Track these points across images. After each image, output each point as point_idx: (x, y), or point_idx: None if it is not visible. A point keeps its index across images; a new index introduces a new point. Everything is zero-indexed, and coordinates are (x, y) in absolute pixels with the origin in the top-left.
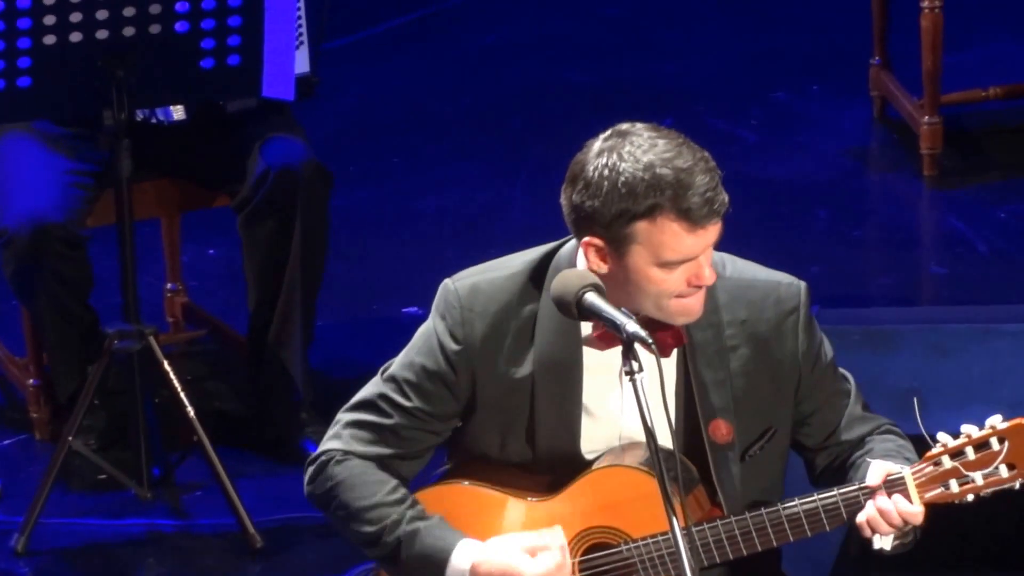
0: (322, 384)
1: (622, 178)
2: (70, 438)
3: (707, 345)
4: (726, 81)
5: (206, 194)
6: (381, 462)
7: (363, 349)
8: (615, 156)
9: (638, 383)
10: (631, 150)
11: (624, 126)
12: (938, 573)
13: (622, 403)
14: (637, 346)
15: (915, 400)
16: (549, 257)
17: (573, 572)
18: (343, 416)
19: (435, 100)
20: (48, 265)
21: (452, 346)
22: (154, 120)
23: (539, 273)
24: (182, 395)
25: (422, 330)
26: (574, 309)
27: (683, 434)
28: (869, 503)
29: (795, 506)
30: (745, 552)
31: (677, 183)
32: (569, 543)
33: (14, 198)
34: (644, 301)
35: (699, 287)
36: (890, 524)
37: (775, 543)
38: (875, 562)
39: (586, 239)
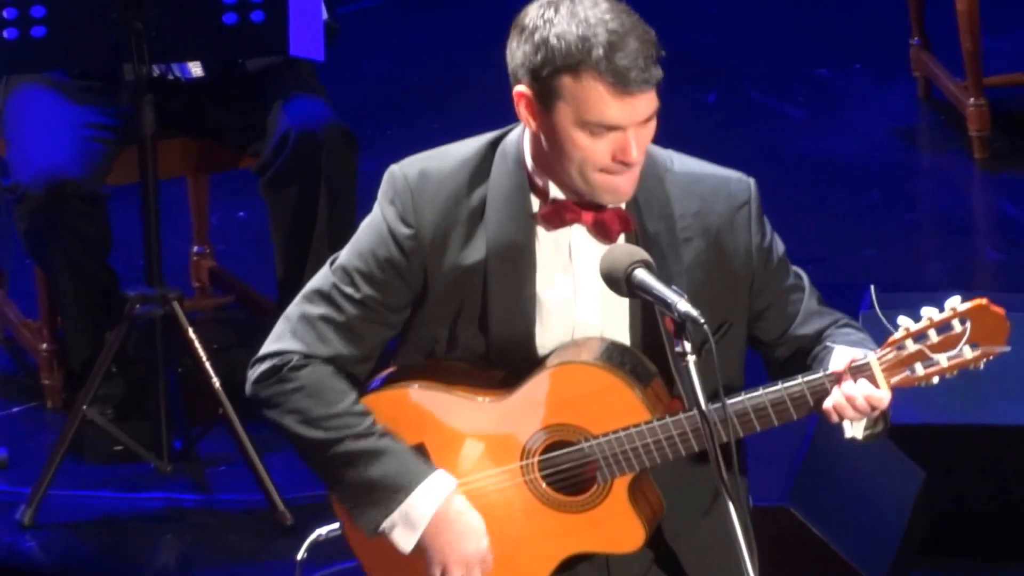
0: None
1: (555, 30)
2: (85, 406)
3: (660, 237)
4: (766, 56)
5: (230, 154)
6: (339, 365)
7: None
8: (553, 9)
9: (691, 366)
10: (571, 6)
11: None
12: (1001, 561)
13: (575, 290)
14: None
15: (872, 289)
16: (496, 142)
17: (533, 471)
18: (294, 310)
19: (474, 62)
20: (64, 222)
21: (403, 231)
22: (171, 76)
23: (487, 158)
24: (207, 365)
25: (369, 219)
26: (624, 286)
27: (636, 324)
28: (835, 389)
29: (760, 396)
30: (727, 439)
31: (608, 44)
32: (526, 442)
33: (28, 152)
34: (570, 168)
35: (625, 164)
36: (857, 410)
37: (741, 433)
38: (941, 546)
39: (517, 89)
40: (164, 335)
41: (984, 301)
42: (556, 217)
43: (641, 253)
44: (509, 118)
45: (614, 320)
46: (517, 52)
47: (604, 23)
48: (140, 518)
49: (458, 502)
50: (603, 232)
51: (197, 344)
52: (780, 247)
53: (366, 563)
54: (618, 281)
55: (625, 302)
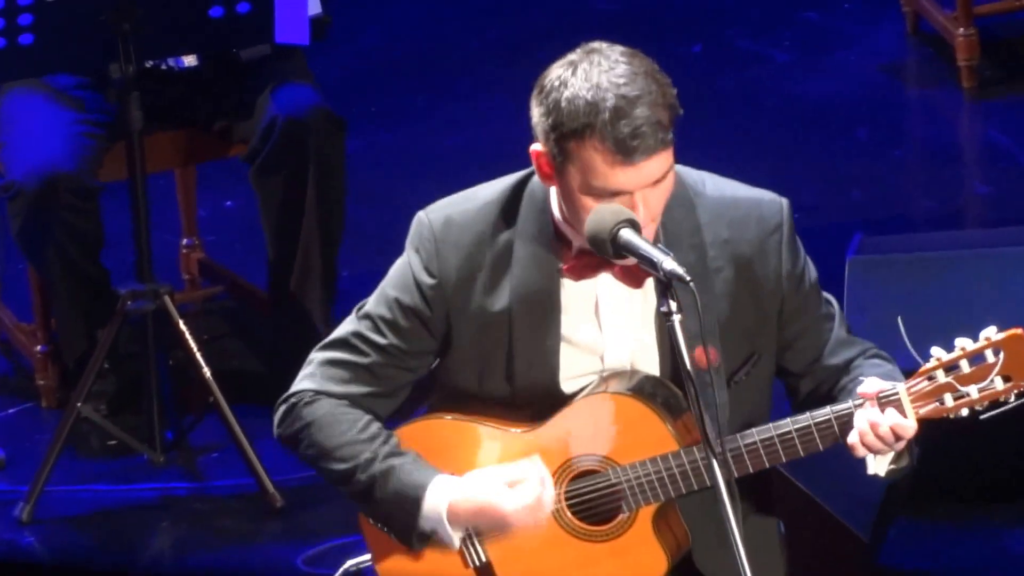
0: None
1: (567, 93)
2: (79, 404)
3: (689, 268)
4: (754, 3)
5: (220, 144)
6: (354, 400)
7: None
8: (571, 71)
9: (676, 325)
10: (587, 68)
11: (595, 44)
12: (986, 503)
13: (602, 333)
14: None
15: (899, 320)
16: (522, 184)
17: (559, 501)
18: (316, 355)
19: (459, 34)
20: (58, 218)
21: (427, 280)
22: (164, 67)
23: (512, 202)
24: (198, 356)
25: (397, 264)
26: (609, 246)
27: (666, 360)
28: (860, 417)
29: (787, 425)
30: (737, 474)
31: (614, 109)
32: (555, 472)
33: (22, 150)
34: (573, 223)
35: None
36: (881, 439)
37: (767, 463)
38: (927, 493)
39: (533, 147)
40: (156, 329)
41: (1020, 331)
42: (583, 269)
43: (627, 213)
44: (490, 90)
45: (645, 359)
46: (534, 111)
47: (615, 87)
48: (135, 508)
49: (462, 484)
50: (632, 277)
51: (188, 336)
52: (812, 273)
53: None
54: (603, 242)
55: (652, 340)
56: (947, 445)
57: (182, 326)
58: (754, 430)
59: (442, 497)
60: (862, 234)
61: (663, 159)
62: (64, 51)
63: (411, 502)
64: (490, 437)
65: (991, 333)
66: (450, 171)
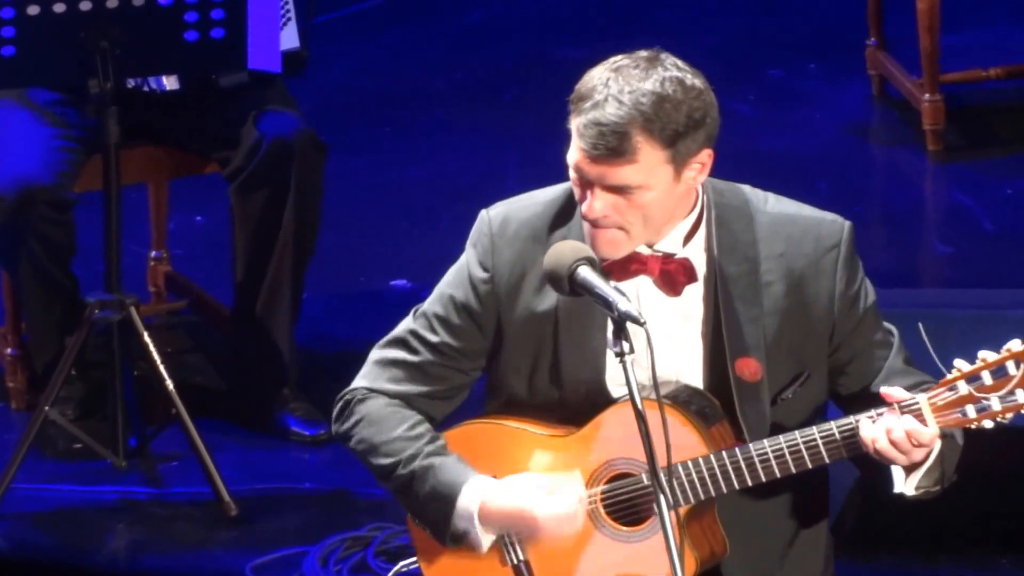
0: (306, 359)
1: (584, 78)
2: (47, 407)
3: (740, 279)
4: (721, 60)
5: (195, 161)
6: (407, 400)
7: (348, 325)
8: (608, 65)
9: (628, 364)
10: (613, 60)
11: (659, 52)
12: (929, 551)
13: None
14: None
15: (920, 326)
16: None
17: (596, 502)
18: (373, 354)
19: (427, 74)
20: (32, 228)
21: (480, 275)
22: (146, 88)
23: (569, 204)
24: (161, 368)
25: (457, 263)
26: (566, 283)
27: (711, 369)
28: (879, 424)
29: (811, 432)
30: (765, 478)
31: (592, 101)
32: (593, 473)
33: (1, 162)
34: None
35: (586, 218)
36: (895, 445)
37: (778, 473)
38: (872, 538)
39: None
40: (121, 339)
41: None
42: (621, 268)
43: (586, 250)
44: (454, 128)
45: (688, 368)
46: None
47: (607, 82)
48: (95, 510)
49: (496, 486)
50: (668, 283)
51: (152, 348)
52: (870, 298)
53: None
54: (561, 280)
55: (698, 351)
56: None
57: (146, 338)
58: (765, 441)
59: (475, 497)
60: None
61: (623, 171)
62: (45, 65)
63: (446, 500)
64: (531, 440)
65: (1014, 345)
66: (415, 204)
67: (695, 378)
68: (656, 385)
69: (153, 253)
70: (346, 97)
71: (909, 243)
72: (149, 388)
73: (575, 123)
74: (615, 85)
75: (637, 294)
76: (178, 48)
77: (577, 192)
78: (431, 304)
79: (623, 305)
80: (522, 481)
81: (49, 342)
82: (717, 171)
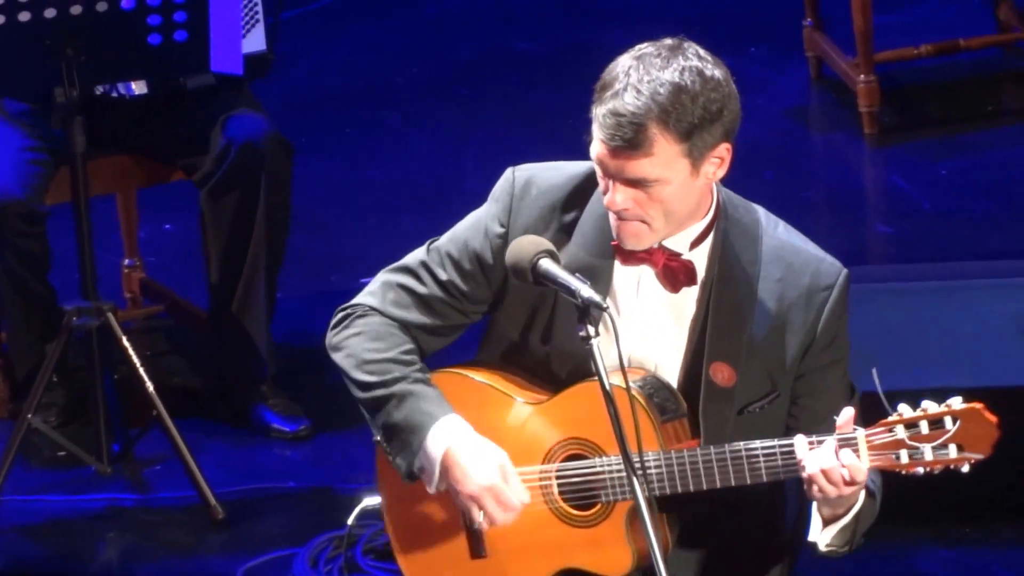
0: (282, 356)
1: (609, 66)
2: (29, 415)
3: (735, 291)
4: None
5: (163, 169)
6: (405, 327)
7: (322, 321)
8: (632, 56)
9: (594, 348)
10: (638, 48)
11: (683, 41)
12: (895, 522)
13: (638, 325)
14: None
15: (874, 372)
16: None
17: (551, 479)
18: (382, 275)
19: (386, 70)
20: (6, 241)
21: (496, 229)
22: (115, 94)
23: (591, 182)
24: (141, 371)
25: (477, 210)
26: (529, 275)
27: (687, 368)
28: (819, 457)
29: (739, 447)
30: (692, 488)
31: (613, 91)
32: (550, 449)
33: None
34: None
35: (610, 210)
36: (829, 478)
37: (719, 483)
38: None
39: None
40: (100, 345)
41: (979, 406)
42: (629, 255)
43: (546, 244)
44: (414, 125)
45: (667, 362)
46: None
47: (628, 71)
48: (84, 519)
49: (463, 441)
50: (669, 279)
51: (131, 352)
52: (845, 350)
53: (394, 533)
54: (524, 271)
55: (681, 348)
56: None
57: (125, 342)
58: (712, 448)
59: (445, 435)
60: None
61: (640, 164)
62: (11, 75)
63: (418, 428)
64: (504, 404)
65: (954, 402)
66: (378, 203)
67: (671, 373)
68: (625, 374)
69: (126, 261)
70: (309, 96)
71: (852, 225)
72: (130, 392)
73: (597, 112)
74: (635, 74)
75: (639, 280)
76: (142, 52)
77: (601, 183)
78: (446, 243)
79: (585, 292)
80: (491, 452)
81: (30, 351)
82: None
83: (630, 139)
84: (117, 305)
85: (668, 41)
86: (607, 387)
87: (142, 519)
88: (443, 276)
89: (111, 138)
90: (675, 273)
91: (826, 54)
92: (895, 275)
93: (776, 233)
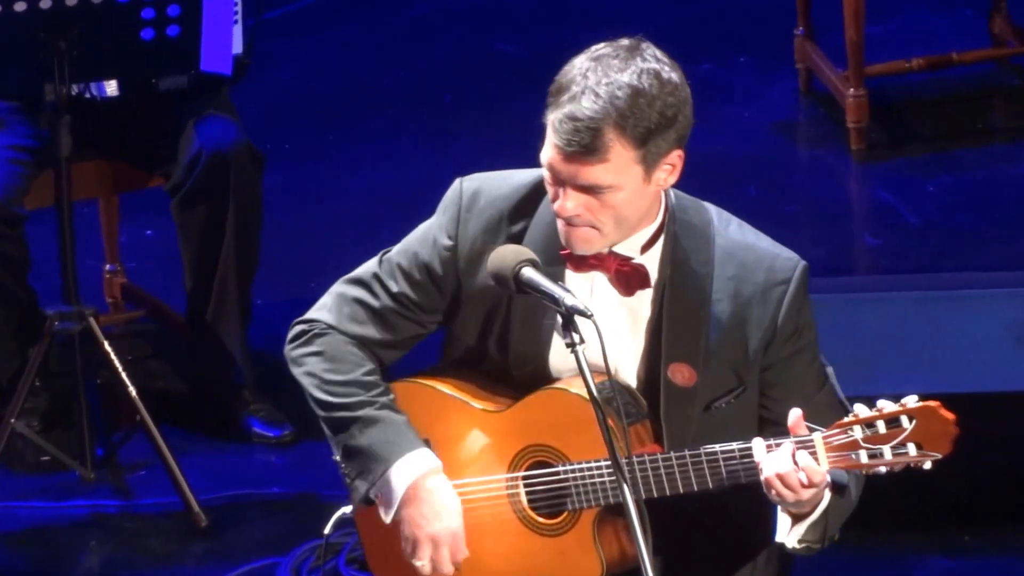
0: (262, 363)
1: (565, 68)
2: (12, 420)
3: (689, 292)
4: None
5: (141, 175)
6: (363, 343)
7: None
8: (587, 56)
9: (580, 354)
10: (595, 48)
11: (640, 42)
12: (891, 529)
13: (592, 331)
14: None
15: (829, 369)
16: None
17: (516, 487)
18: (337, 288)
19: (367, 73)
20: None
21: (444, 241)
22: (88, 95)
23: (539, 191)
24: (123, 375)
25: (427, 221)
26: (512, 283)
27: (646, 370)
28: (776, 461)
29: (699, 453)
30: (656, 493)
31: (570, 94)
32: (514, 457)
33: None
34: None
35: (560, 216)
36: (786, 482)
37: (681, 488)
38: None
39: None
40: (83, 349)
41: (935, 404)
42: (580, 261)
43: (527, 253)
44: (395, 131)
45: (625, 365)
46: None
47: (585, 72)
48: (66, 526)
49: (434, 481)
50: (622, 283)
51: (113, 356)
52: (810, 336)
53: (369, 551)
54: (506, 280)
55: (639, 351)
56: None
57: (107, 347)
58: (686, 451)
59: (407, 477)
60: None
61: (594, 171)
62: (3, 68)
63: (377, 460)
64: (465, 413)
65: (909, 401)
66: (359, 209)
67: (630, 376)
68: (612, 381)
69: (108, 266)
70: (290, 100)
71: (839, 238)
72: (113, 396)
73: (551, 117)
74: (593, 76)
75: (592, 286)
76: (134, 47)
77: (550, 191)
78: (397, 254)
79: (569, 300)
80: (455, 501)
81: (11, 355)
82: None
83: (587, 144)
84: (99, 310)
85: (625, 41)
86: (595, 394)
87: (125, 526)
88: (395, 288)
89: (88, 142)
90: (628, 277)
91: (816, 65)
92: (881, 285)
93: (728, 232)
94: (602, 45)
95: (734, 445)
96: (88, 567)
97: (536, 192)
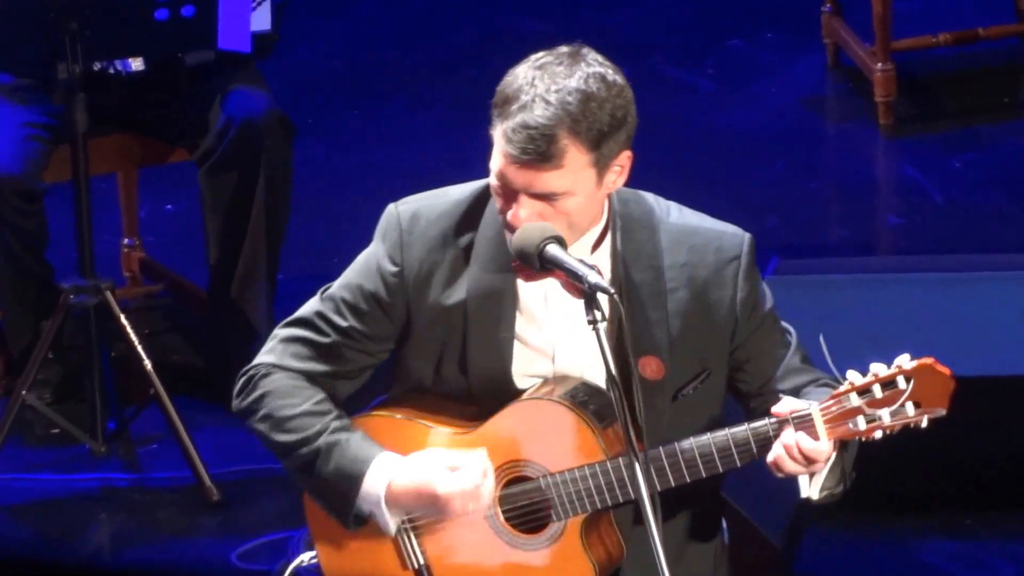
0: None
1: (507, 79)
2: (24, 392)
3: (645, 285)
4: (681, 30)
5: (163, 148)
6: (312, 377)
7: None
8: (530, 64)
9: (601, 333)
10: (535, 57)
11: (580, 48)
12: (897, 514)
13: (554, 336)
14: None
15: (821, 338)
16: (489, 188)
17: (493, 506)
18: (279, 332)
19: (392, 51)
20: (3, 219)
21: (389, 268)
22: (112, 71)
23: (478, 204)
24: (139, 348)
25: (364, 252)
26: (536, 261)
27: (616, 369)
28: (776, 441)
29: (707, 441)
30: (660, 487)
31: (519, 103)
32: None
33: None
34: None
35: (511, 227)
36: (794, 460)
37: (688, 478)
38: (840, 503)
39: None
40: (98, 323)
41: (930, 360)
42: (529, 269)
43: (552, 230)
44: (420, 107)
45: (591, 367)
46: None
47: (531, 82)
48: (76, 499)
49: (404, 467)
50: (573, 287)
51: (129, 329)
52: (769, 302)
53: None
54: (531, 256)
55: (596, 354)
56: (859, 455)
57: (123, 320)
58: (677, 444)
59: (383, 476)
60: (779, 258)
61: (549, 177)
62: (15, 48)
63: (352, 478)
64: (431, 437)
65: (903, 361)
66: (383, 186)
67: (598, 376)
68: (631, 357)
69: (126, 241)
70: (315, 77)
71: (862, 216)
72: (127, 370)
73: (501, 128)
74: (541, 84)
75: (545, 294)
76: (148, 27)
77: (499, 202)
78: (339, 289)
79: (592, 278)
80: (428, 457)
81: (25, 328)
82: (681, 152)
83: (543, 152)
84: (116, 283)
85: (565, 48)
86: (612, 372)
87: (136, 499)
88: (342, 323)
89: (110, 116)
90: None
91: (844, 41)
92: (903, 266)
93: (671, 219)
94: (542, 54)
95: (743, 428)
96: (98, 540)
97: (476, 205)
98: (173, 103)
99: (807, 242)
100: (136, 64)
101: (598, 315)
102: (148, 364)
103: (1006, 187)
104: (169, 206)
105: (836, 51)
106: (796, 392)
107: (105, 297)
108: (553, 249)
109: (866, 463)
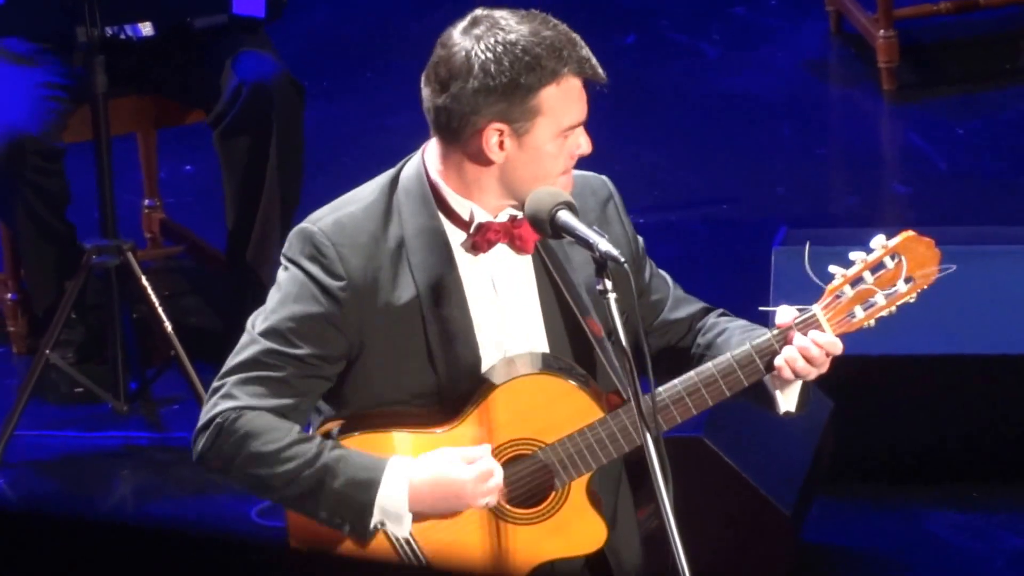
0: None
1: (518, 48)
2: (47, 351)
3: (556, 246)
4: None
5: (179, 110)
6: (277, 413)
7: None
8: (495, 35)
9: (612, 303)
10: (506, 25)
11: (478, 12)
12: (905, 484)
13: (503, 315)
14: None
15: (807, 244)
16: (394, 182)
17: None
18: (227, 379)
19: (404, 15)
20: (25, 178)
21: (334, 284)
22: (123, 36)
23: (391, 199)
24: (159, 310)
25: (286, 281)
26: (548, 226)
27: (551, 333)
28: (786, 346)
29: (708, 369)
30: (666, 427)
31: (569, 41)
32: None
33: None
34: (531, 185)
35: (575, 158)
36: (809, 361)
37: (694, 410)
38: (848, 473)
39: (486, 129)
40: (119, 283)
41: (911, 233)
42: (483, 241)
43: (564, 196)
44: None
45: (533, 334)
46: (479, 92)
47: (548, 26)
48: (99, 456)
49: (420, 467)
50: (521, 244)
51: (150, 291)
52: (639, 238)
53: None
54: (543, 222)
55: (539, 316)
56: (867, 426)
57: (144, 281)
58: (675, 380)
59: (401, 476)
60: (787, 227)
61: None
62: (34, 12)
63: (368, 485)
64: (413, 442)
65: (882, 240)
66: (397, 148)
67: (540, 343)
68: (642, 330)
69: (147, 201)
70: (329, 40)
71: (868, 184)
72: (148, 331)
73: (566, 75)
74: (550, 32)
75: (492, 277)
76: None
77: (563, 162)
78: (280, 322)
79: (603, 246)
80: (440, 454)
81: (48, 288)
82: (684, 114)
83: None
84: (137, 244)
85: (482, 11)
86: (624, 342)
87: (157, 458)
88: (295, 352)
89: (127, 79)
90: (524, 236)
91: (846, 8)
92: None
93: None
94: (480, 16)
95: (745, 348)
96: (120, 496)
97: (386, 202)
98: (182, 68)
99: (814, 211)
100: (146, 29)
101: (609, 284)
102: (168, 326)
103: (1010, 156)
104: (189, 167)
105: (839, 19)
106: (690, 320)
107: (127, 258)
108: (564, 215)
109: (874, 434)
